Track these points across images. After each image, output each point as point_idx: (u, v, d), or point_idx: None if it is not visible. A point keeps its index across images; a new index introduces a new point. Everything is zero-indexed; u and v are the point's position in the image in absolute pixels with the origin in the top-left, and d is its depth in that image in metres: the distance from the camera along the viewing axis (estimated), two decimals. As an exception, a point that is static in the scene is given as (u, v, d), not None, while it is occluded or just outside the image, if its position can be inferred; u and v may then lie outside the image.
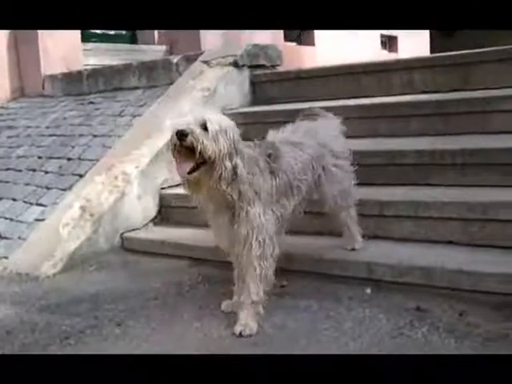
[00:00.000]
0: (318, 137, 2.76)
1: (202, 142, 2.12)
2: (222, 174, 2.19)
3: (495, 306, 2.39)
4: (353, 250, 2.92)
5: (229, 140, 2.21)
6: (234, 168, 2.22)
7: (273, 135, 2.71)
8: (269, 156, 2.46)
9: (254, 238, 2.32)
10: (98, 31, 7.41)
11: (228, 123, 2.27)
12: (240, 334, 2.34)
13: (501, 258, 2.62)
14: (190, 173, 2.18)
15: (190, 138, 2.12)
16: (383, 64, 4.25)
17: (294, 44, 9.41)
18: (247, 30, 8.26)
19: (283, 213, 2.50)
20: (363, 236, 3.01)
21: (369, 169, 3.34)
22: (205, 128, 2.15)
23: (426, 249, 2.83)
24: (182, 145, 2.14)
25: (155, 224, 3.84)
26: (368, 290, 2.68)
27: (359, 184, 2.98)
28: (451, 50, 4.11)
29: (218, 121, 2.21)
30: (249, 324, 2.36)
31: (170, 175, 3.94)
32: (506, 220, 2.72)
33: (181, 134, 2.12)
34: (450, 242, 2.86)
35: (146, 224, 3.81)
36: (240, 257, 2.41)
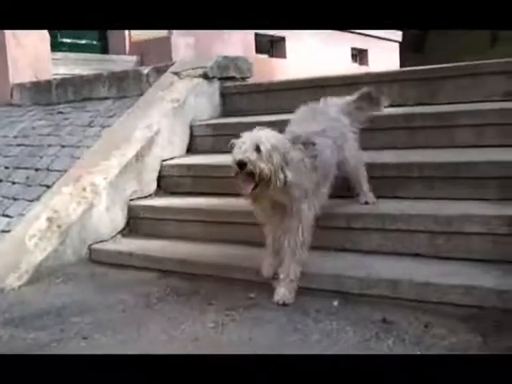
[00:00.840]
0: (330, 115, 3.11)
1: (259, 167, 2.52)
2: (276, 185, 2.58)
3: (461, 317, 2.42)
4: (366, 203, 3.20)
5: (280, 155, 2.58)
6: (285, 177, 2.60)
7: (300, 127, 2.99)
8: (313, 156, 2.81)
9: (300, 229, 2.75)
10: (68, 40, 7.37)
11: (277, 140, 2.63)
12: (283, 303, 2.73)
13: (466, 270, 2.66)
14: (252, 191, 2.59)
15: (248, 166, 2.52)
16: (352, 77, 4.30)
17: (266, 56, 9.48)
18: (219, 43, 8.32)
19: (320, 202, 2.89)
20: (331, 248, 3.05)
21: (336, 181, 3.37)
22: (258, 149, 2.54)
23: (394, 261, 2.86)
24: (243, 171, 2.54)
25: (123, 235, 3.82)
26: (335, 303, 2.69)
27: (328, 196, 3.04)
28: (421, 64, 4.18)
29: (269, 140, 2.58)
30: (287, 295, 2.76)
31: (139, 186, 3.94)
32: (471, 233, 2.77)
33: (240, 164, 2.53)
34: (417, 255, 2.89)
35: (115, 235, 3.78)
36: (286, 245, 2.77)
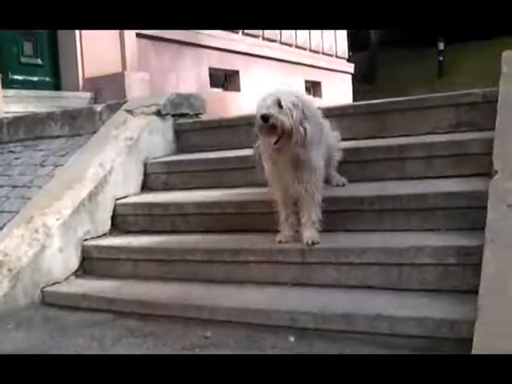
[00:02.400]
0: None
1: (281, 120, 2.78)
2: (297, 139, 2.84)
3: (413, 349, 2.45)
4: (344, 185, 3.52)
5: (299, 110, 2.83)
6: (305, 130, 2.85)
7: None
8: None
9: (315, 177, 3.03)
10: (20, 77, 7.30)
11: (298, 97, 2.89)
12: (312, 243, 3.03)
13: (418, 301, 2.70)
14: (274, 144, 2.85)
15: (271, 120, 2.77)
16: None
17: (221, 90, 9.56)
18: (173, 78, 8.37)
19: (323, 153, 3.18)
20: (287, 283, 3.09)
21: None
22: (280, 105, 2.78)
23: (348, 294, 2.88)
24: (267, 125, 2.79)
25: (77, 276, 3.75)
26: (292, 339, 2.69)
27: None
28: (372, 95, 4.28)
29: (289, 97, 2.84)
30: (313, 236, 3.05)
31: (93, 226, 3.89)
32: (422, 264, 2.82)
33: (264, 117, 2.78)
34: (371, 287, 2.92)
35: (68, 277, 3.71)
36: (303, 192, 3.04)
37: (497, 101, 3.31)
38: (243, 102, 9.29)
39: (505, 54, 3.66)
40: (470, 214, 3.01)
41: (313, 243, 3.04)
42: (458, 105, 3.78)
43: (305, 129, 2.86)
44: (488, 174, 2.94)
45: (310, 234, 3.06)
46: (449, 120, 3.81)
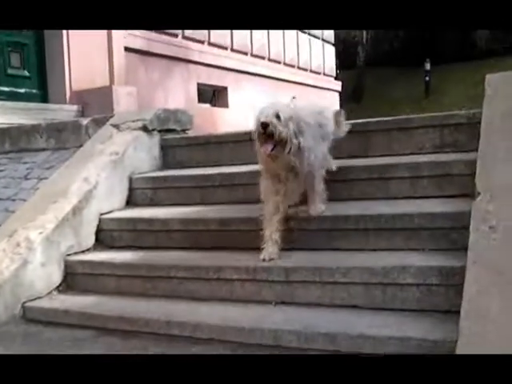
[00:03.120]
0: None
1: (279, 129, 3.01)
2: (291, 148, 3.07)
3: (396, 370, 2.45)
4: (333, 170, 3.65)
5: (295, 124, 3.08)
6: (299, 144, 3.09)
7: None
8: (320, 125, 3.32)
9: (315, 179, 3.29)
10: (6, 88, 7.27)
11: (293, 111, 3.14)
12: (322, 212, 3.32)
13: (401, 320, 2.71)
14: (271, 151, 3.06)
15: (270, 127, 3.00)
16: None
17: (208, 105, 9.58)
18: (161, 93, 8.37)
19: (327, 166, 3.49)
20: (271, 302, 3.09)
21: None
22: (278, 117, 3.03)
23: (332, 314, 2.88)
24: (265, 132, 3.02)
25: (60, 292, 3.72)
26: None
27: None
28: (359, 113, 4.32)
29: (287, 111, 3.10)
30: (319, 207, 3.35)
31: (77, 241, 3.86)
32: (406, 283, 2.83)
33: (263, 125, 3.01)
34: (355, 306, 2.93)
35: (50, 292, 3.68)
36: (296, 199, 3.30)
37: (480, 122, 3.35)
38: (231, 118, 9.32)
39: (488, 76, 3.71)
40: (453, 234, 3.04)
41: (319, 213, 3.33)
42: (443, 126, 3.82)
43: (299, 142, 3.09)
44: (471, 194, 2.96)
45: (314, 206, 3.35)
46: (433, 141, 3.84)
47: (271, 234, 3.25)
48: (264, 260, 3.19)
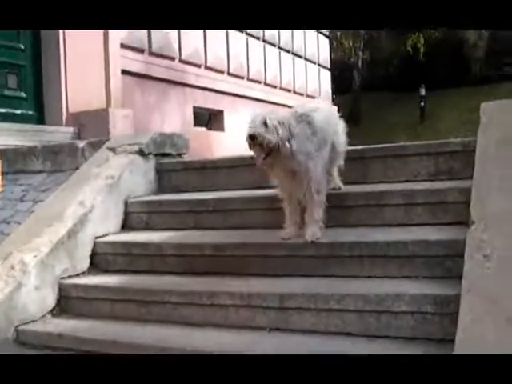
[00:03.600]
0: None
1: (267, 138, 3.10)
2: (284, 153, 3.17)
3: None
4: (339, 189, 3.82)
5: (284, 129, 3.16)
6: (291, 147, 3.17)
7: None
8: (308, 123, 3.34)
9: (313, 180, 3.31)
10: (2, 110, 7.28)
11: (282, 117, 3.22)
12: (314, 239, 3.31)
13: (394, 348, 2.71)
14: (264, 160, 3.18)
15: (258, 138, 3.10)
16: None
17: (204, 129, 9.62)
18: (158, 116, 8.41)
19: (324, 160, 3.44)
20: (265, 328, 3.08)
21: (271, 260, 3.42)
22: (266, 124, 3.10)
23: (326, 341, 2.87)
24: (254, 143, 3.12)
25: (54, 315, 3.70)
26: (268, 385, 2.67)
27: (260, 275, 3.06)
28: (356, 137, 4.36)
29: (275, 117, 3.16)
30: (316, 233, 3.33)
31: (71, 264, 3.86)
32: (400, 311, 2.84)
33: (251, 137, 3.11)
34: (349, 334, 2.92)
35: (44, 316, 3.65)
36: (302, 197, 3.36)
37: (475, 150, 3.38)
38: (227, 142, 9.35)
39: (483, 104, 3.75)
40: (448, 262, 3.04)
41: (315, 239, 3.31)
42: (438, 153, 3.85)
43: (291, 145, 3.17)
44: (466, 222, 2.97)
45: (313, 231, 3.34)
46: (428, 168, 3.87)
47: (291, 214, 3.48)
48: (283, 239, 3.43)
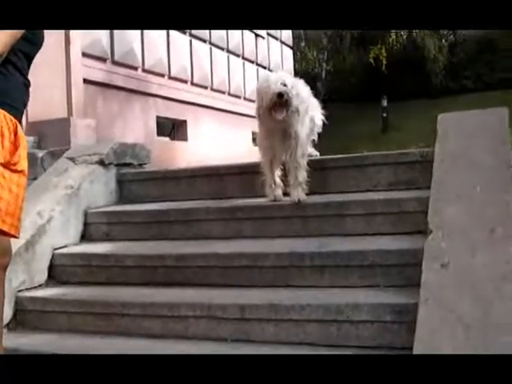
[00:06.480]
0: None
1: (290, 97, 3.51)
2: (296, 114, 3.62)
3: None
4: (316, 156, 4.37)
5: (295, 90, 3.60)
6: (297, 107, 3.60)
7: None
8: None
9: (300, 143, 3.71)
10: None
11: (301, 85, 3.78)
12: (299, 201, 3.65)
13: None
14: (284, 115, 3.55)
15: (285, 96, 3.49)
16: (247, 166, 4.38)
17: (168, 139, 9.56)
18: (120, 126, 8.34)
19: (307, 127, 3.90)
20: (227, 340, 3.06)
21: (232, 270, 3.41)
22: (285, 85, 3.52)
23: (287, 351, 2.85)
24: (281, 101, 3.49)
25: (10, 330, 3.58)
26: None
27: (221, 285, 3.06)
28: (317, 150, 4.40)
29: (290, 79, 3.62)
30: (300, 195, 3.66)
31: (28, 277, 3.77)
32: (359, 321, 2.85)
33: (279, 95, 3.47)
34: (310, 344, 2.92)
35: (-1, 330, 3.56)
36: (288, 158, 3.72)
37: (433, 161, 3.43)
38: (190, 152, 9.31)
39: (440, 116, 3.82)
40: (408, 271, 3.06)
41: (299, 201, 3.63)
42: (397, 163, 3.90)
43: (297, 106, 3.58)
44: (425, 231, 3.01)
45: (297, 193, 3.64)
46: (388, 178, 3.91)
47: (274, 178, 3.81)
48: (275, 200, 3.80)
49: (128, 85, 8.48)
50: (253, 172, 4.05)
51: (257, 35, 11.84)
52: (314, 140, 4.34)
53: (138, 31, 8.20)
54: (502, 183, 3.10)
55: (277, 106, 3.51)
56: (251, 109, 11.41)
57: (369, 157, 4.05)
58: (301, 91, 3.72)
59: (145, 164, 4.88)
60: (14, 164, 2.72)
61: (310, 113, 3.96)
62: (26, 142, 2.85)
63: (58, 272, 3.94)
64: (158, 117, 9.19)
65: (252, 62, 12.09)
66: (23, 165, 2.80)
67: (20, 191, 2.78)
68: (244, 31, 11.27)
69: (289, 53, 14.13)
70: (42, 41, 3.01)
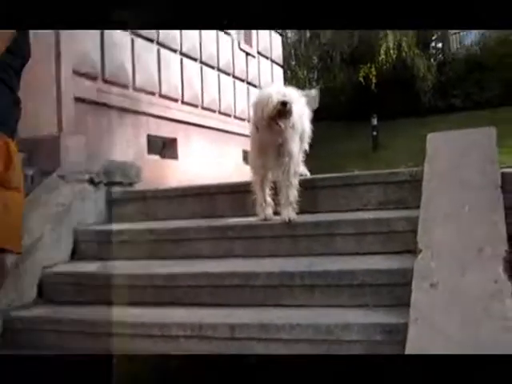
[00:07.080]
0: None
1: (292, 107, 3.53)
2: (291, 129, 3.65)
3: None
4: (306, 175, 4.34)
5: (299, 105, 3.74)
6: (294, 125, 3.69)
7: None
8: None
9: (292, 160, 3.74)
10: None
11: (298, 96, 3.83)
12: (289, 220, 3.63)
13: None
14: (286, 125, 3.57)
15: (288, 105, 3.51)
16: (237, 185, 4.41)
17: (158, 157, 9.56)
18: (111, 143, 8.33)
19: (298, 144, 3.90)
20: (216, 359, 3.04)
21: (222, 289, 3.40)
22: (285, 95, 3.55)
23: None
24: (284, 110, 3.51)
25: (-2, 349, 3.57)
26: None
27: (211, 305, 3.12)
28: (307, 169, 4.43)
29: (288, 91, 3.64)
30: (290, 214, 3.66)
31: (17, 295, 3.75)
32: (349, 340, 2.85)
33: (283, 104, 3.49)
34: (300, 364, 2.92)
35: (-12, 350, 3.53)
36: (281, 176, 3.74)
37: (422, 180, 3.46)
38: (181, 170, 9.30)
39: (429, 136, 3.86)
40: (397, 290, 3.07)
41: (289, 220, 3.63)
42: (387, 183, 3.93)
43: (294, 122, 3.65)
44: (415, 251, 3.02)
45: (287, 212, 3.66)
46: (378, 197, 3.93)
47: (265, 197, 3.84)
48: (266, 220, 3.80)
49: (119, 103, 8.47)
50: (243, 191, 4.07)
51: (247, 54, 11.91)
52: (304, 156, 4.32)
53: (129, 48, 8.21)
54: (490, 203, 3.13)
55: (280, 115, 3.53)
56: (242, 127, 11.52)
57: (359, 176, 4.09)
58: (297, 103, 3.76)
59: (135, 182, 4.88)
60: (8, 181, 2.72)
61: (301, 126, 3.98)
62: (19, 159, 2.85)
63: (47, 290, 3.92)
64: (148, 135, 9.19)
65: (242, 80, 12.14)
66: (17, 181, 2.80)
67: (15, 208, 2.77)
68: (234, 50, 11.33)
69: (279, 71, 14.21)
70: (29, 55, 3.02)
